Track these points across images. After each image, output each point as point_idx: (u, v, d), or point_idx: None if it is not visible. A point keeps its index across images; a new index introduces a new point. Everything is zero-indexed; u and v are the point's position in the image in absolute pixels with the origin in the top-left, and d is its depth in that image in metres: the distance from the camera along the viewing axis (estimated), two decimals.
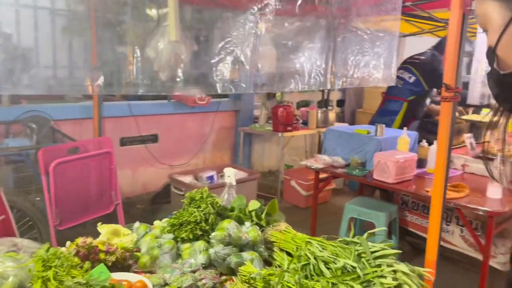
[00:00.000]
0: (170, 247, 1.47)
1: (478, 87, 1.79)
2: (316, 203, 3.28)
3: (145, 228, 1.62)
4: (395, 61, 2.56)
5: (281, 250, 1.53)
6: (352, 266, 1.28)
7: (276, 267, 1.43)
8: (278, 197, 4.76)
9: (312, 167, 3.01)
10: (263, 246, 1.53)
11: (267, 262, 1.51)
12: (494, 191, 2.42)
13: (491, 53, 0.54)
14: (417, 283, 1.31)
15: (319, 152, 6.17)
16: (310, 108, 5.54)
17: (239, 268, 1.37)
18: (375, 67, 2.46)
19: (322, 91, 6.23)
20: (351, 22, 2.36)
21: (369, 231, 1.42)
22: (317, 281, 1.25)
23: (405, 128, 3.03)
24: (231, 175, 1.89)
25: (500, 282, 2.89)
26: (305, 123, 5.23)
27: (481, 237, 2.50)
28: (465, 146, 3.21)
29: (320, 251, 1.38)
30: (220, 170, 4.00)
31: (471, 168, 2.99)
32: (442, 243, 3.12)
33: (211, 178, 4.02)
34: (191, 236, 1.52)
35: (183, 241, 1.52)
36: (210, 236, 1.47)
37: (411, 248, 3.40)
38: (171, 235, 1.54)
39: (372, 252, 1.35)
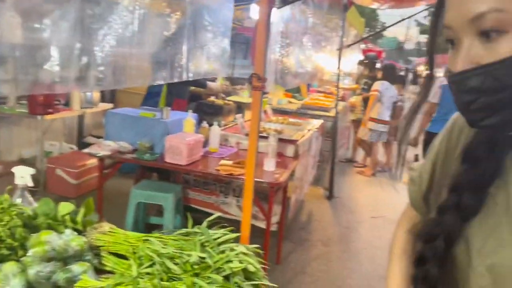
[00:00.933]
0: None
1: (271, 76, 2.04)
2: (101, 193, 3.06)
3: None
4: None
5: (111, 253, 1.39)
6: (200, 257, 1.29)
7: (111, 273, 1.30)
8: (40, 189, 4.18)
9: (98, 155, 2.78)
10: (91, 253, 1.35)
11: (96, 270, 1.34)
12: (270, 165, 2.80)
13: None
14: (255, 260, 1.42)
15: (80, 136, 5.70)
16: None
17: (75, 285, 1.18)
18: None
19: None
20: None
21: (208, 219, 1.44)
22: (171, 280, 1.20)
23: (190, 110, 3.13)
24: (25, 175, 1.58)
25: (272, 240, 3.41)
26: (66, 103, 4.71)
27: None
28: (236, 125, 3.57)
29: (163, 247, 1.33)
30: None
31: (244, 145, 3.36)
32: (223, 214, 3.44)
33: None
34: None
35: None
36: (27, 255, 1.20)
37: (195, 223, 3.60)
38: None
39: (215, 239, 1.38)
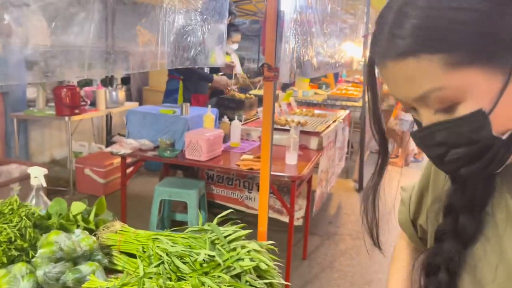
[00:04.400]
0: None
1: (287, 66, 1.97)
2: (125, 191, 3.08)
3: None
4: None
5: (122, 253, 1.37)
6: (209, 255, 1.24)
7: (121, 273, 1.28)
8: (70, 189, 4.28)
9: (120, 153, 2.79)
10: (101, 253, 1.34)
11: (107, 270, 1.33)
12: (291, 158, 2.73)
13: (483, 119, 0.50)
14: (268, 257, 1.37)
15: (108, 135, 5.80)
16: (95, 87, 5.10)
17: (82, 286, 1.16)
18: None
19: None
20: None
21: (219, 216, 1.40)
22: (180, 279, 1.17)
23: (209, 106, 3.10)
24: (38, 175, 1.58)
25: (298, 235, 3.36)
26: (92, 104, 4.80)
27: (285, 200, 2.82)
28: (258, 119, 3.51)
29: (172, 246, 1.30)
30: None
31: None
32: (247, 210, 3.41)
33: None
34: (5, 260, 1.20)
35: None
36: (36, 255, 1.19)
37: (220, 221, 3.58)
38: None
39: (225, 237, 1.34)
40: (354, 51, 5.74)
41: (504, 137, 0.51)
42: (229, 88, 4.03)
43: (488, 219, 0.61)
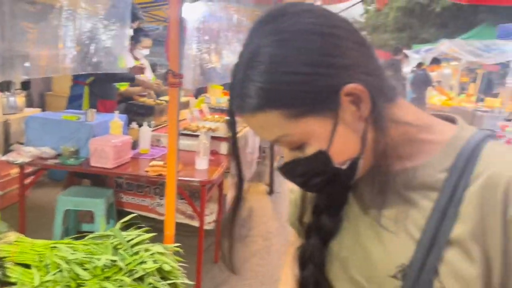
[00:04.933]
0: None
1: (191, 72, 2.00)
2: (23, 202, 2.89)
3: None
4: None
5: (17, 264, 1.31)
6: (112, 260, 1.24)
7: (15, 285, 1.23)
8: None
9: (17, 162, 2.61)
10: None
11: (2, 283, 1.26)
12: (201, 163, 2.78)
13: (324, 156, 0.62)
14: (173, 259, 1.40)
15: (6, 143, 5.35)
16: None
17: None
18: None
19: None
20: None
21: (122, 220, 1.40)
22: (80, 286, 1.16)
23: (116, 112, 3.03)
24: None
25: (210, 239, 3.39)
26: None
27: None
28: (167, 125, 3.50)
29: (72, 253, 1.27)
30: None
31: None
32: (158, 217, 3.37)
33: None
34: None
35: None
36: None
37: (129, 226, 3.50)
38: None
39: (128, 241, 1.34)
40: None
41: (344, 167, 0.64)
42: (154, 88, 3.98)
43: (345, 214, 0.74)
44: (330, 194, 0.74)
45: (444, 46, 8.40)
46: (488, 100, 8.86)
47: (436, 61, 8.58)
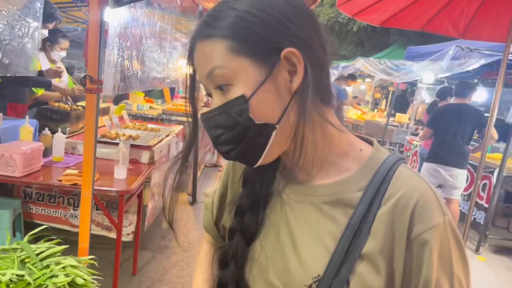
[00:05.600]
0: None
1: (111, 78, 1.94)
2: None
3: None
4: None
5: None
6: (18, 275, 1.17)
7: None
8: None
9: None
10: None
11: None
12: (120, 172, 2.69)
13: (244, 102, 0.64)
14: (86, 272, 1.34)
15: None
16: None
17: None
18: None
19: None
20: None
21: (31, 233, 1.31)
22: None
23: (27, 117, 2.83)
24: None
25: (129, 251, 3.28)
26: None
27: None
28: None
29: None
30: None
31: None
32: (72, 229, 3.19)
33: None
34: None
35: None
36: None
37: (39, 239, 3.27)
38: None
39: (38, 254, 1.27)
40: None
41: (257, 121, 0.65)
42: (74, 94, 3.76)
43: (266, 219, 0.77)
44: (253, 186, 0.77)
45: (359, 63, 8.97)
46: (398, 115, 9.59)
47: (352, 76, 9.12)
